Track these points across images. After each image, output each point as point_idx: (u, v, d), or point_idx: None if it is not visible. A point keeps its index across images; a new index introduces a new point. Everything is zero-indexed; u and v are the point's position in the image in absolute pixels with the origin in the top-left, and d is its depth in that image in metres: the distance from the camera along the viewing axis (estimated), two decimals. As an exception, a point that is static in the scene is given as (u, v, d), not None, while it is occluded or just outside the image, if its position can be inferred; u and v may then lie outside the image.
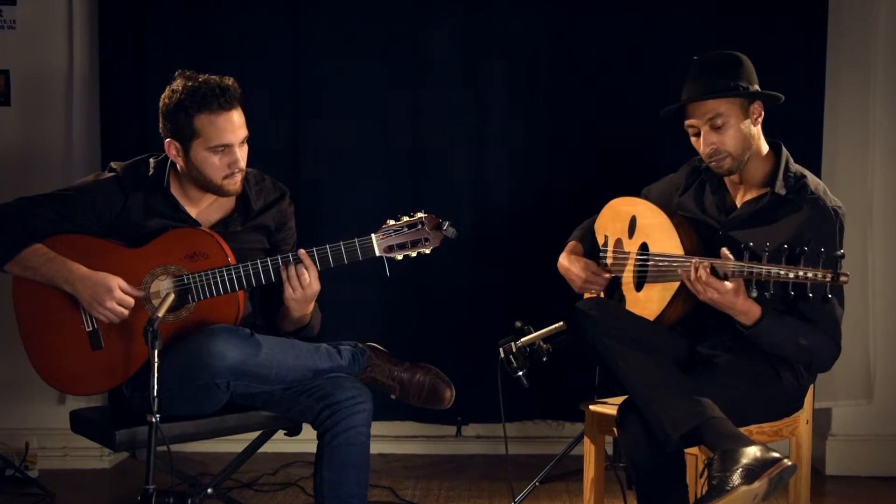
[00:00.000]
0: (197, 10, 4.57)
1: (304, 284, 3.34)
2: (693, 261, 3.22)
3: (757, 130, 3.39)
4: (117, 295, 3.30)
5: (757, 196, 3.41)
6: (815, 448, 3.86)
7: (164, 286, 3.35)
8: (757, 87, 3.38)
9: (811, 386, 3.47)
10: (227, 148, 3.37)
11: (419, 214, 3.34)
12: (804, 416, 3.49)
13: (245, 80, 3.48)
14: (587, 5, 4.53)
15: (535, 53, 4.58)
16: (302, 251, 3.34)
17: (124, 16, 4.55)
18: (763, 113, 3.39)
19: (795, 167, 3.43)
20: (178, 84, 3.39)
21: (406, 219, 3.34)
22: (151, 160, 3.52)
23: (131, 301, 3.32)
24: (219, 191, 3.44)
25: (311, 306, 3.46)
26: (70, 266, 3.33)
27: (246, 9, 4.58)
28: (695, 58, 3.43)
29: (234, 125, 3.38)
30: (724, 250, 3.18)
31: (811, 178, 3.40)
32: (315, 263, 3.34)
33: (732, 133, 3.34)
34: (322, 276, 3.37)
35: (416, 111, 4.60)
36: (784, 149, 3.44)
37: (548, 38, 4.56)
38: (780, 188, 3.35)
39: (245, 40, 4.56)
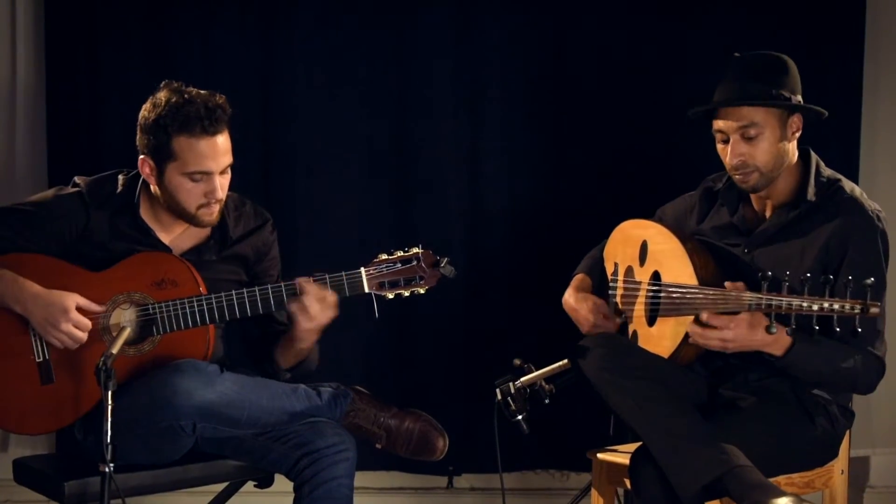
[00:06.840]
0: (155, 14, 4.53)
1: (328, 307, 3.34)
2: (709, 291, 3.23)
3: (792, 146, 3.40)
4: (73, 316, 3.29)
5: (787, 206, 3.42)
6: (852, 501, 3.86)
7: (126, 316, 3.35)
8: (800, 97, 3.39)
9: (847, 432, 3.49)
10: (205, 176, 3.37)
11: (414, 249, 3.35)
12: (839, 466, 3.51)
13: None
14: (588, 16, 4.54)
15: (533, 67, 4.57)
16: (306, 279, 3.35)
17: (74, 18, 4.52)
18: (801, 128, 3.40)
19: (828, 172, 3.44)
20: (161, 96, 3.38)
21: (400, 253, 3.35)
22: (121, 177, 3.52)
23: (89, 324, 3.31)
24: (192, 220, 3.44)
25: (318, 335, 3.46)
26: (21, 283, 3.32)
27: (210, 15, 4.54)
28: (736, 54, 3.44)
29: (217, 151, 3.37)
30: (728, 284, 3.20)
31: (846, 182, 3.42)
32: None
33: (765, 147, 3.35)
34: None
35: (403, 131, 4.57)
36: (813, 153, 3.45)
37: (546, 51, 4.56)
38: (811, 195, 3.37)
39: (209, 49, 4.53)
